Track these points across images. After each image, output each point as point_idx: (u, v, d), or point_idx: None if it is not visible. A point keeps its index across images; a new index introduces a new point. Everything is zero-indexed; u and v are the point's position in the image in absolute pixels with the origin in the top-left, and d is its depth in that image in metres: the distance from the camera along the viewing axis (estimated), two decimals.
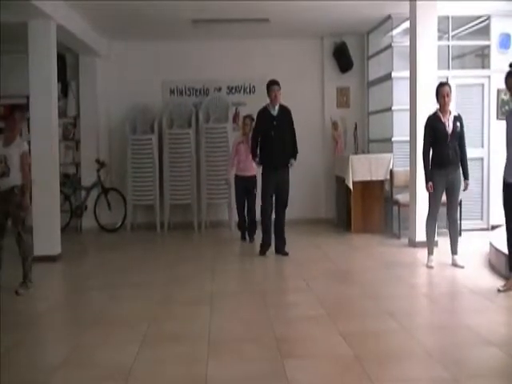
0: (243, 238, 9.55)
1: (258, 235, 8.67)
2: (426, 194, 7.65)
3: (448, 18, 9.71)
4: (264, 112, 8.23)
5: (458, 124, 7.22)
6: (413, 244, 8.56)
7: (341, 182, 10.34)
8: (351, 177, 9.75)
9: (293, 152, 8.22)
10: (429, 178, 7.24)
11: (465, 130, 7.35)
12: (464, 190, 7.42)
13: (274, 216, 8.34)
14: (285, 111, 8.22)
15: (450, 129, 7.15)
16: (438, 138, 7.17)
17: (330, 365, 4.25)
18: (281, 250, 8.25)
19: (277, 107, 8.17)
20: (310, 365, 4.23)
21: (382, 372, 4.07)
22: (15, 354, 4.63)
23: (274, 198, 8.25)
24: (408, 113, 8.83)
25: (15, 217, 6.65)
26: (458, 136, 7.21)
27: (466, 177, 7.30)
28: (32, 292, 6.59)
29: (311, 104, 11.39)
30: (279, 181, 8.13)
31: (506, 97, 9.86)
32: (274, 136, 8.04)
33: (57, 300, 6.53)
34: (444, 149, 7.13)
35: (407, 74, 8.88)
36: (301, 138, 11.00)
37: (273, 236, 8.35)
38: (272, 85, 8.18)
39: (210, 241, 9.98)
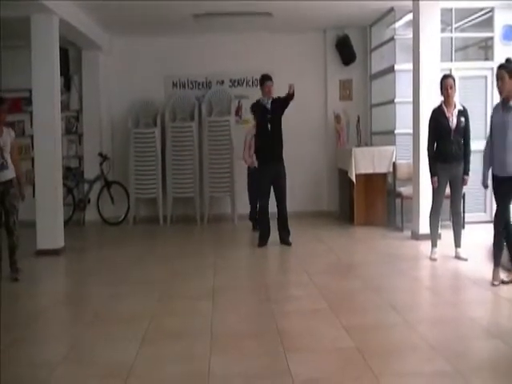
0: (255, 228, 9.57)
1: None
2: (430, 187, 7.64)
3: (451, 10, 9.68)
4: (259, 106, 8.42)
5: (463, 119, 7.20)
6: (416, 237, 8.56)
7: (343, 174, 10.34)
8: (354, 169, 9.73)
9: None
10: (434, 172, 7.23)
11: (470, 123, 7.32)
12: (463, 185, 7.40)
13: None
14: (276, 101, 8.32)
15: (453, 124, 7.14)
16: (441, 133, 7.17)
17: (332, 358, 4.26)
18: (285, 240, 8.37)
19: (270, 101, 8.31)
20: (313, 358, 4.24)
21: (384, 365, 4.08)
22: (15, 350, 4.62)
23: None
24: (411, 105, 8.81)
25: (11, 207, 6.79)
26: (463, 131, 7.21)
27: (466, 172, 7.28)
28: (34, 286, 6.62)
29: (314, 97, 11.37)
30: (276, 173, 8.26)
31: None
32: (270, 129, 8.20)
33: (58, 296, 6.53)
34: (447, 144, 7.14)
35: (410, 66, 8.86)
36: (304, 131, 11.09)
37: (276, 228, 8.46)
38: (266, 80, 8.37)
39: (212, 234, 10.00)
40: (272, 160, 8.23)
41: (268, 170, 8.26)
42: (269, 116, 8.24)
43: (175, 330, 4.98)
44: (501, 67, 6.09)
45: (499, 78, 6.04)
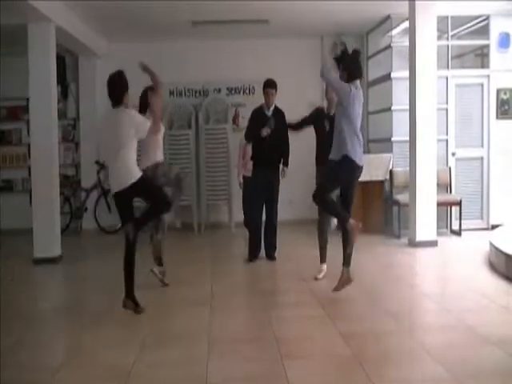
0: None
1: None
2: (426, 194, 7.62)
3: (447, 17, 9.72)
4: (259, 111, 8.09)
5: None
6: (413, 244, 8.56)
7: None
8: None
9: (285, 159, 7.99)
10: None
11: None
12: None
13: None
14: (279, 113, 8.02)
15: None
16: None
17: (329, 365, 4.25)
18: (270, 255, 8.05)
19: (271, 108, 7.99)
20: (310, 365, 4.23)
21: (381, 372, 4.07)
22: (16, 354, 4.64)
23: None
24: (407, 113, 8.84)
25: None
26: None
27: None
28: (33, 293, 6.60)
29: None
30: (269, 182, 7.91)
31: (505, 96, 9.88)
32: (268, 137, 7.80)
33: (57, 301, 6.53)
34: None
35: (407, 74, 8.88)
36: (301, 138, 11.00)
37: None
38: (266, 87, 7.97)
39: (209, 242, 9.98)
40: (266, 168, 7.88)
41: (261, 178, 7.89)
42: (267, 123, 7.86)
43: (173, 335, 5.00)
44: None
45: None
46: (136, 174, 5.71)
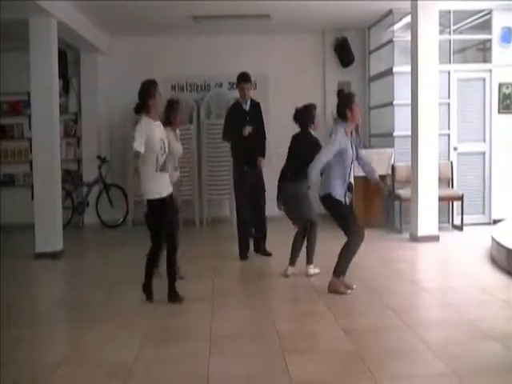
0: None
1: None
2: (427, 189, 7.56)
3: (449, 12, 9.69)
4: (236, 107, 8.02)
5: None
6: (414, 239, 8.56)
7: None
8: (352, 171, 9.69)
9: (262, 148, 7.95)
10: None
11: None
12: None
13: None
14: (256, 106, 8.00)
15: None
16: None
17: (331, 360, 4.26)
18: (264, 249, 7.97)
19: (248, 102, 7.94)
20: (312, 360, 4.24)
21: (383, 367, 4.08)
22: (16, 351, 4.64)
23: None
24: (409, 108, 8.82)
25: None
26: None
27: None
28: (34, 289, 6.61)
29: (312, 99, 11.10)
30: (255, 178, 7.85)
31: (507, 90, 9.86)
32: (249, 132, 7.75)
33: (58, 297, 6.53)
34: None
35: (408, 68, 8.87)
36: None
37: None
38: (240, 82, 7.93)
39: (211, 237, 9.99)
40: (251, 164, 7.81)
41: (247, 175, 7.82)
42: (247, 118, 7.85)
43: (175, 331, 5.00)
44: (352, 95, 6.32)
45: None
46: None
